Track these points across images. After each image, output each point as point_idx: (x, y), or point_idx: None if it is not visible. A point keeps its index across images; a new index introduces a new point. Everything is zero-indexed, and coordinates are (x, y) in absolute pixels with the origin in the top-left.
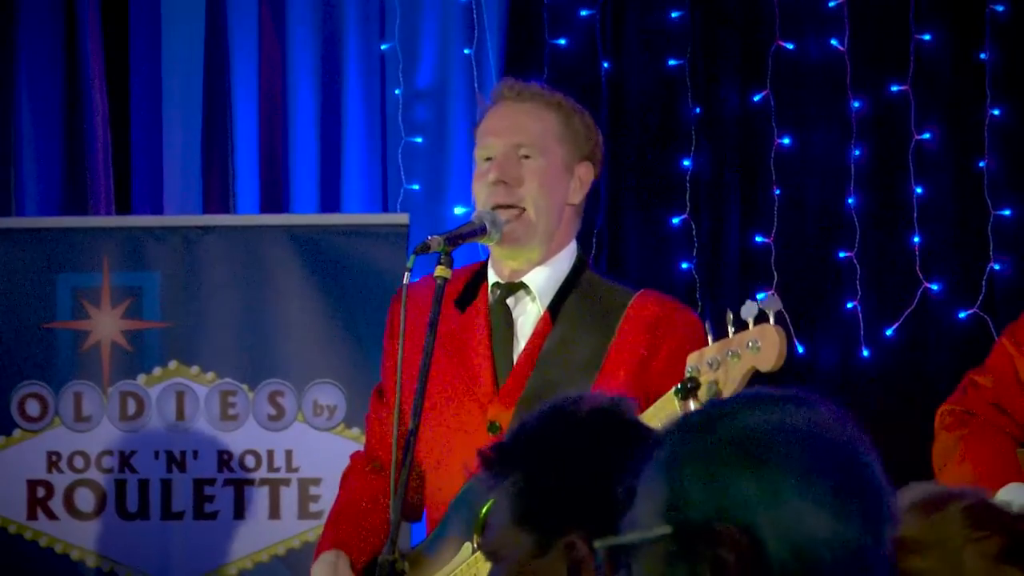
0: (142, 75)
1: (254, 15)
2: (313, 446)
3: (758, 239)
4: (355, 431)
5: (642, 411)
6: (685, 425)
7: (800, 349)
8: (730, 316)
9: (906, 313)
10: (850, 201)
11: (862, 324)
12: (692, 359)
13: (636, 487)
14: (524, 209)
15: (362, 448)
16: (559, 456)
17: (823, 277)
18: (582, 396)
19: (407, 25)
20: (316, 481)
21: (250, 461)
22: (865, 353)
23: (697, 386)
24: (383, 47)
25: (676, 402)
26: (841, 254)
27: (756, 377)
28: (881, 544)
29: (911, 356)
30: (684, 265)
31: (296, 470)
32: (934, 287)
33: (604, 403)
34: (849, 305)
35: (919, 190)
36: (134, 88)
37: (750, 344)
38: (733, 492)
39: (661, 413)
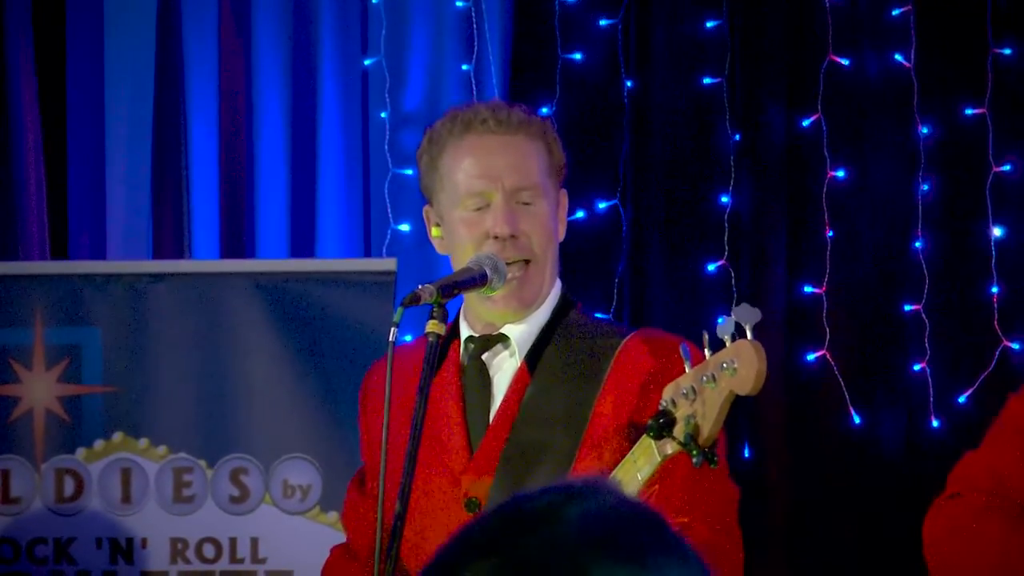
0: (80, 96)
1: (213, 26)
2: (283, 533)
3: (807, 289)
4: (332, 516)
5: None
6: (499, 528)
7: (857, 419)
8: (706, 337)
9: (983, 376)
10: (917, 245)
11: (931, 389)
12: (667, 391)
13: None
14: (528, 262)
15: (344, 540)
16: None
17: (885, 334)
18: None
19: (394, 36)
20: (287, 574)
21: (209, 551)
22: (935, 424)
23: (672, 422)
24: (366, 63)
25: (653, 445)
26: (906, 307)
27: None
28: None
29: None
30: (720, 320)
31: (263, 561)
32: (1015, 346)
33: None
34: (916, 367)
35: (998, 232)
36: (71, 113)
37: (725, 365)
38: None
39: (640, 460)
